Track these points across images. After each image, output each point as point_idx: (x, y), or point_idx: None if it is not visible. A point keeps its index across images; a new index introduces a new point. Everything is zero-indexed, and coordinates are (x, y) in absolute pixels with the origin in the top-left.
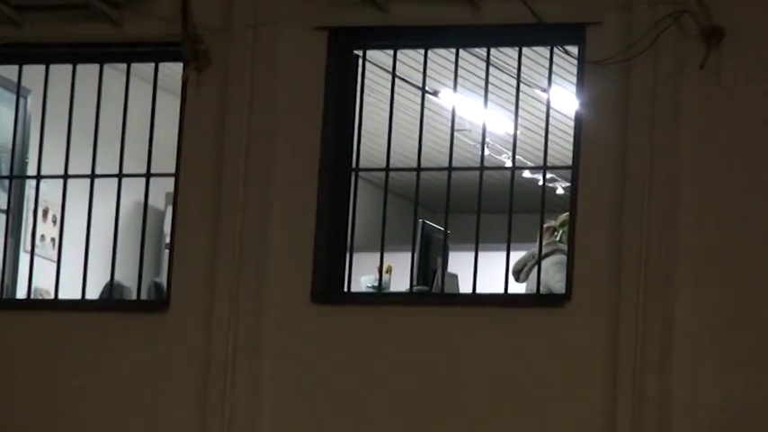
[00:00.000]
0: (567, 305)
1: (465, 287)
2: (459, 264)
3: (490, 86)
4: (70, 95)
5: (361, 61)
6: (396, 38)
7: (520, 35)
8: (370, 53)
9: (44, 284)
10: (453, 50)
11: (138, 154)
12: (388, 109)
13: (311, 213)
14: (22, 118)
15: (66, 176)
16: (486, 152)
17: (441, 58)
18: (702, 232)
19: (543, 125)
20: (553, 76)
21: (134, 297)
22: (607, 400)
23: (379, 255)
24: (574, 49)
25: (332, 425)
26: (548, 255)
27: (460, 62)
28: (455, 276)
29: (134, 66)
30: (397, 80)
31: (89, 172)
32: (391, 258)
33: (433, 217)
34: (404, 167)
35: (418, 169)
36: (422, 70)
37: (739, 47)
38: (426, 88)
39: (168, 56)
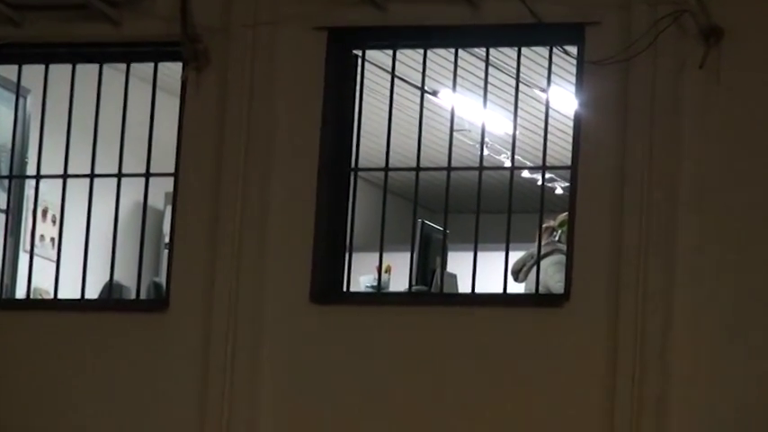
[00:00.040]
0: (565, 305)
1: (464, 287)
2: (458, 264)
3: (489, 86)
4: (70, 95)
5: (360, 61)
6: (395, 38)
7: (519, 35)
8: (370, 53)
9: (43, 284)
10: (452, 50)
11: (138, 154)
12: (388, 109)
13: (310, 213)
14: (21, 118)
15: (65, 176)
16: (486, 152)
17: (440, 57)
18: (702, 232)
19: (542, 125)
20: (552, 76)
21: (133, 297)
22: (606, 400)
23: (378, 254)
24: (573, 49)
25: (331, 425)
26: (547, 255)
27: (460, 62)
28: (454, 276)
29: (133, 65)
30: (396, 80)
31: (88, 172)
32: (390, 258)
33: (432, 217)
34: (403, 167)
35: (417, 169)
36: (421, 70)
37: (739, 46)
38: (425, 88)
39: (167, 55)
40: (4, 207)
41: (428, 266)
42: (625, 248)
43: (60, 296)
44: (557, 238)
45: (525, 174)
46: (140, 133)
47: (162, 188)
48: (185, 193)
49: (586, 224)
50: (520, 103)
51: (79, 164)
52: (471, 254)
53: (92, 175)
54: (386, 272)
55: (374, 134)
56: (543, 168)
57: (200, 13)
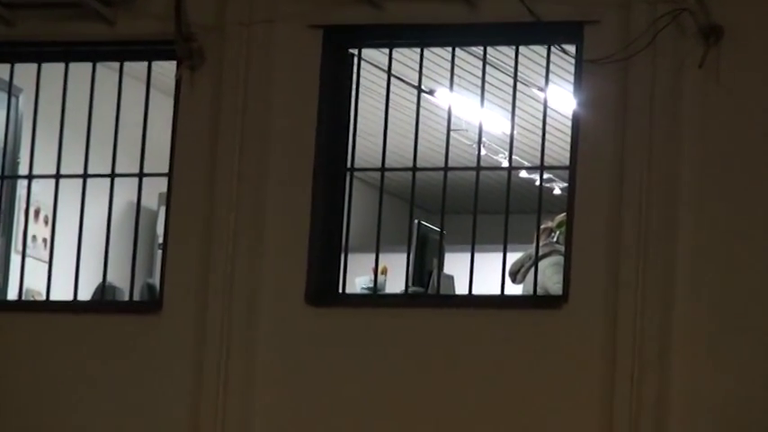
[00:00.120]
0: (564, 307)
1: (461, 288)
2: (456, 265)
3: (487, 85)
4: (62, 94)
5: (356, 60)
6: (391, 36)
7: (517, 34)
8: (366, 52)
9: (36, 285)
10: (449, 49)
11: (131, 153)
12: (384, 108)
13: (306, 213)
14: (13, 117)
15: (58, 176)
16: (483, 152)
17: (437, 56)
18: (701, 232)
19: (540, 125)
20: (550, 75)
21: (126, 298)
22: (605, 402)
23: (374, 256)
24: (571, 48)
25: (327, 427)
26: (545, 256)
27: (457, 61)
28: (451, 278)
29: (127, 64)
30: (392, 79)
31: (81, 172)
32: (386, 259)
33: (428, 217)
34: (399, 167)
35: (414, 169)
36: (418, 69)
37: (738, 45)
38: (422, 87)
39: (162, 54)
40: None
41: (425, 268)
42: (624, 249)
43: (53, 297)
44: (555, 239)
45: (523, 174)
46: (134, 133)
47: (156, 188)
48: (179, 193)
49: (585, 225)
50: (518, 103)
51: (72, 164)
52: (468, 255)
53: (85, 175)
54: (382, 273)
55: (370, 134)
56: (541, 168)
57: (194, 11)
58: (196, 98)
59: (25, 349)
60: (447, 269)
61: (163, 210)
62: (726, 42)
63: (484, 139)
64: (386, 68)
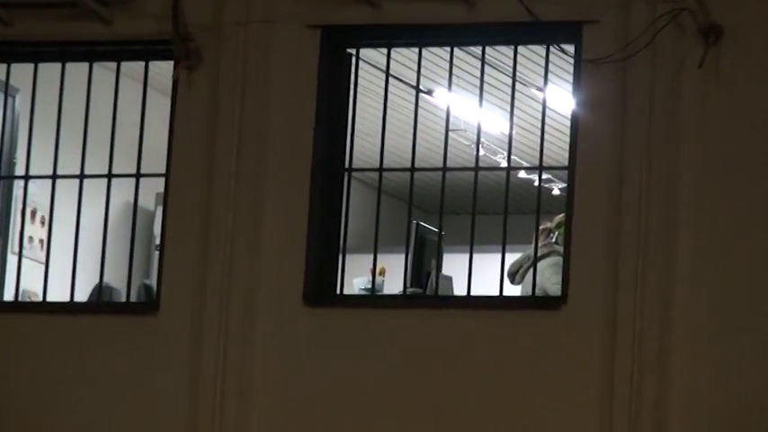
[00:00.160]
0: (563, 308)
1: (459, 289)
2: (454, 266)
3: (485, 85)
4: (59, 94)
5: (354, 60)
6: (389, 36)
7: (516, 33)
8: (364, 52)
9: (32, 286)
10: (448, 49)
11: (128, 154)
12: (382, 108)
13: (303, 214)
14: (10, 117)
15: (54, 177)
16: (482, 152)
17: (435, 56)
18: (701, 233)
19: (539, 125)
20: (549, 75)
21: (123, 299)
22: (604, 403)
23: (372, 256)
24: (570, 48)
25: (325, 429)
26: (543, 257)
27: (455, 61)
28: (449, 278)
29: (124, 64)
30: (390, 79)
31: (78, 172)
32: (385, 260)
33: (427, 218)
34: (397, 168)
35: (412, 169)
36: (416, 69)
37: (738, 45)
38: (421, 87)
39: (159, 54)
40: None
41: (423, 268)
42: (623, 250)
43: (49, 299)
44: (554, 240)
45: (522, 174)
46: (131, 133)
47: (153, 189)
48: (176, 193)
49: (584, 225)
50: (516, 103)
51: (69, 164)
52: (467, 256)
53: (81, 176)
54: (380, 274)
55: (368, 134)
56: (540, 169)
57: (191, 11)
58: (193, 98)
59: (22, 351)
60: (445, 270)
61: (160, 210)
62: (725, 42)
63: (482, 139)
64: (384, 68)
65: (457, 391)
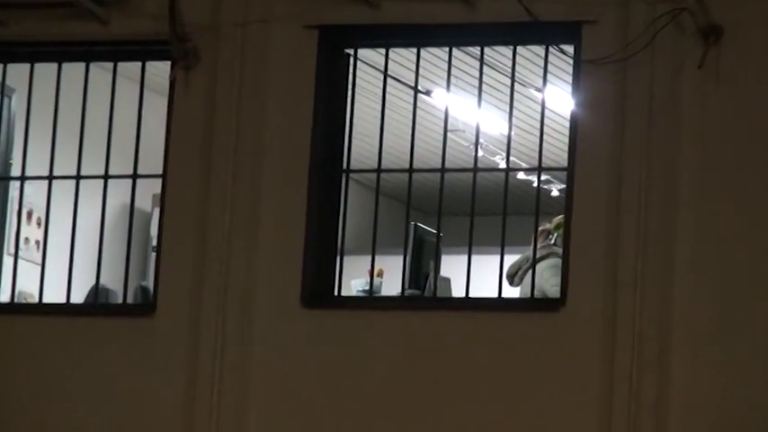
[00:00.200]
0: (561, 310)
1: (458, 291)
2: (452, 267)
3: (484, 86)
4: (55, 95)
5: (352, 60)
6: (388, 36)
7: (514, 33)
8: (362, 52)
9: (28, 288)
10: (446, 49)
11: (125, 155)
12: (380, 109)
13: (301, 215)
14: (6, 118)
15: (50, 178)
16: (480, 153)
17: (434, 56)
18: (700, 233)
19: (538, 126)
20: (548, 76)
21: (120, 301)
22: (603, 405)
23: (370, 258)
24: (569, 48)
25: (323, 430)
26: (542, 258)
27: (454, 61)
28: (448, 280)
29: (121, 65)
30: (389, 79)
31: (74, 173)
32: (383, 262)
33: (425, 219)
34: (396, 169)
35: (410, 170)
36: (414, 69)
37: (738, 45)
38: (419, 88)
39: (156, 54)
40: None
41: (421, 270)
42: (622, 251)
43: (45, 300)
44: (553, 242)
45: (521, 175)
46: (128, 134)
47: (149, 190)
48: (173, 195)
49: (583, 227)
50: (515, 103)
51: (65, 165)
52: (465, 257)
53: (78, 177)
54: (378, 275)
55: (366, 135)
56: (539, 170)
57: (189, 11)
58: (190, 99)
59: (18, 352)
60: (444, 271)
61: (157, 211)
62: (725, 42)
63: (481, 140)
64: (382, 69)
65: (456, 392)
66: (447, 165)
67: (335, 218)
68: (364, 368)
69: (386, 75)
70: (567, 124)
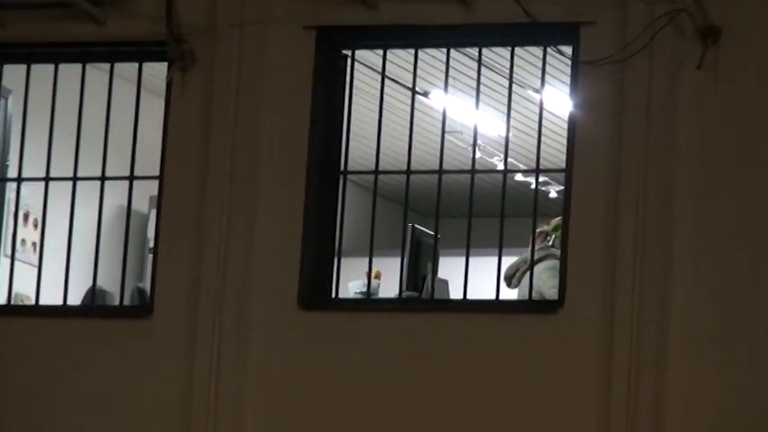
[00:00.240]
0: (559, 312)
1: (456, 293)
2: (450, 269)
3: (482, 87)
4: (52, 96)
5: (349, 61)
6: (385, 37)
7: (512, 35)
8: (359, 53)
9: (25, 290)
10: (444, 50)
11: (122, 156)
12: (378, 110)
13: (298, 217)
14: (2, 119)
15: (47, 179)
16: (478, 155)
17: (431, 58)
18: (699, 234)
19: (536, 127)
20: (546, 77)
21: (117, 303)
22: (601, 407)
23: (367, 260)
24: (567, 49)
25: None
26: (540, 260)
27: (451, 62)
28: (445, 282)
29: (117, 66)
30: (386, 81)
31: (71, 174)
32: (380, 263)
33: (423, 221)
34: (393, 170)
35: (408, 172)
36: (412, 70)
37: (736, 46)
38: (416, 89)
39: (153, 55)
40: None
41: (419, 272)
42: (620, 253)
43: (42, 302)
44: (551, 243)
45: (519, 177)
46: (124, 135)
47: (146, 191)
48: (170, 196)
49: (581, 228)
50: (513, 105)
51: (61, 166)
52: (463, 259)
53: (74, 179)
54: (375, 277)
55: (364, 136)
56: (537, 171)
57: (185, 12)
58: (187, 100)
59: (15, 354)
60: (441, 273)
61: (153, 213)
62: (724, 43)
63: (479, 141)
64: (380, 70)
65: (453, 394)
66: (445, 166)
67: (333, 219)
68: (362, 370)
69: (383, 76)
70: (566, 125)
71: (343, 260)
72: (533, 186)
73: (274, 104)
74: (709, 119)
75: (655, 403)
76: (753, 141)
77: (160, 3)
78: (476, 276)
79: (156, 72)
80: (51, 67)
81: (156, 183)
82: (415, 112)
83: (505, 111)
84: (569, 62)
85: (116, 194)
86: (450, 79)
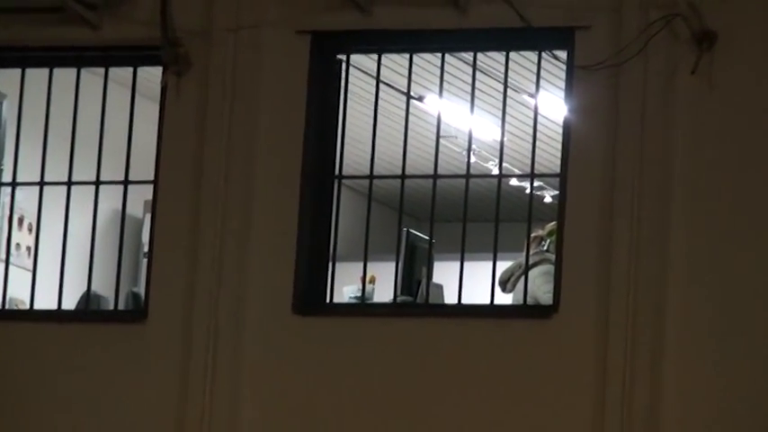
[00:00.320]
0: (554, 316)
1: (450, 298)
2: (445, 274)
3: (477, 92)
4: (47, 100)
5: (344, 66)
6: (380, 42)
7: (507, 39)
8: (354, 57)
9: (19, 294)
10: (439, 55)
11: (116, 161)
12: (373, 115)
13: (293, 222)
14: None
15: (42, 183)
16: (473, 159)
17: (426, 62)
18: (693, 239)
19: (531, 132)
20: (541, 82)
21: (111, 307)
22: (596, 412)
23: (362, 264)
24: (562, 54)
25: None
26: (535, 265)
27: (446, 67)
28: (440, 287)
29: (112, 70)
30: (381, 85)
31: (66, 179)
32: (375, 268)
33: (417, 226)
34: (388, 175)
35: (403, 177)
36: (407, 75)
37: (731, 51)
38: (411, 93)
39: (147, 60)
40: None
41: (413, 276)
42: (615, 258)
43: (36, 306)
44: (545, 248)
45: (513, 181)
46: (119, 140)
47: (141, 196)
48: (165, 201)
49: (576, 233)
50: (508, 109)
51: (56, 171)
52: (458, 264)
53: (69, 183)
54: (370, 282)
55: (359, 141)
56: (532, 176)
57: (180, 16)
58: (182, 105)
59: (8, 359)
60: (436, 278)
61: (148, 217)
62: (719, 48)
63: (474, 146)
64: (374, 74)
65: (448, 400)
66: (439, 171)
67: (327, 224)
68: (356, 375)
69: (378, 80)
70: (560, 130)
71: (337, 265)
72: (528, 191)
73: (269, 109)
74: (703, 123)
75: (650, 408)
76: (747, 146)
77: (155, 7)
78: (470, 281)
79: (151, 76)
80: (46, 71)
81: (150, 187)
82: (410, 117)
83: (500, 115)
84: (564, 67)
85: (111, 199)
86: (444, 84)
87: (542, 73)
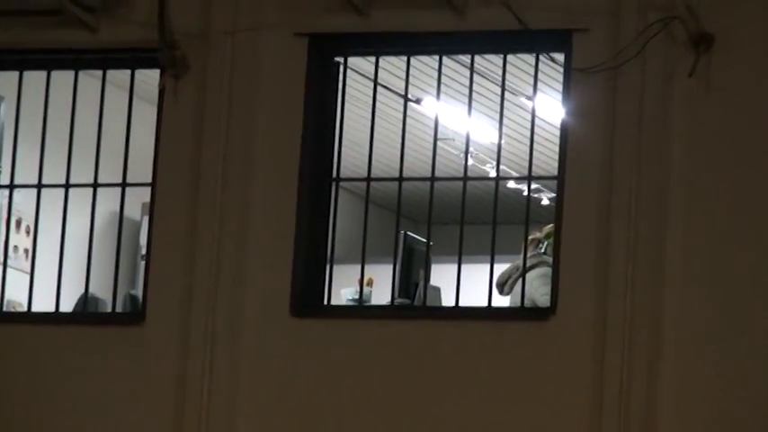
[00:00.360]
0: (551, 319)
1: (448, 300)
2: (442, 276)
3: (474, 94)
4: (44, 103)
5: (342, 68)
6: (378, 44)
7: (505, 42)
8: (352, 60)
9: (17, 296)
10: (437, 57)
11: (114, 163)
12: (370, 117)
13: (291, 224)
14: None
15: (39, 186)
16: (470, 162)
17: (424, 65)
18: (690, 240)
19: (528, 134)
20: (539, 84)
21: (109, 309)
22: (594, 414)
23: (359, 267)
24: (560, 57)
25: None
26: (532, 267)
27: (444, 69)
28: (438, 289)
29: (110, 72)
30: (379, 88)
31: (63, 181)
32: (372, 271)
33: (415, 228)
34: (386, 177)
35: (400, 179)
36: (404, 78)
37: (729, 54)
38: (409, 96)
39: (145, 62)
40: None
41: (411, 279)
42: (613, 259)
43: (34, 309)
44: (543, 250)
45: (511, 184)
46: (117, 142)
47: (139, 198)
48: (162, 203)
49: (573, 235)
50: (505, 112)
51: (54, 173)
52: (455, 266)
53: (67, 185)
54: (368, 284)
55: (356, 143)
56: (529, 178)
57: (178, 19)
58: (180, 107)
59: (6, 361)
60: (433, 280)
61: (146, 220)
62: (716, 50)
63: (471, 148)
64: (372, 77)
65: (446, 402)
66: (437, 173)
67: (325, 226)
68: (354, 377)
69: (376, 83)
70: (558, 133)
71: (335, 267)
72: (525, 193)
73: (267, 111)
74: (701, 126)
75: (648, 409)
76: (745, 147)
77: (153, 10)
78: (468, 284)
79: (149, 79)
80: (44, 73)
81: (148, 189)
82: (408, 120)
83: (498, 118)
84: (562, 69)
85: (108, 201)
86: (442, 86)
87: (540, 75)
